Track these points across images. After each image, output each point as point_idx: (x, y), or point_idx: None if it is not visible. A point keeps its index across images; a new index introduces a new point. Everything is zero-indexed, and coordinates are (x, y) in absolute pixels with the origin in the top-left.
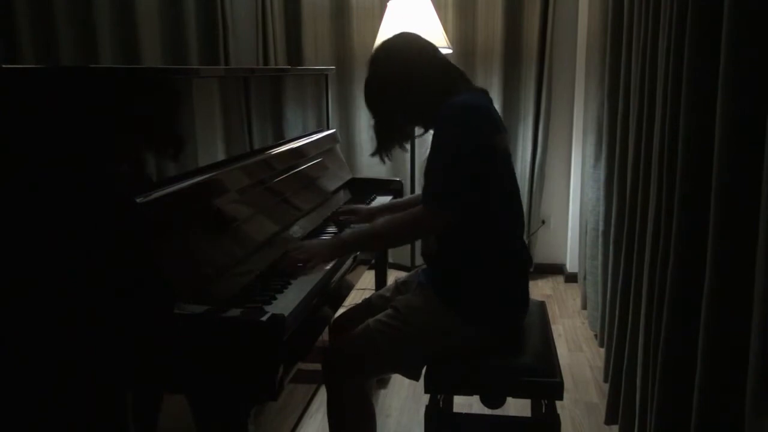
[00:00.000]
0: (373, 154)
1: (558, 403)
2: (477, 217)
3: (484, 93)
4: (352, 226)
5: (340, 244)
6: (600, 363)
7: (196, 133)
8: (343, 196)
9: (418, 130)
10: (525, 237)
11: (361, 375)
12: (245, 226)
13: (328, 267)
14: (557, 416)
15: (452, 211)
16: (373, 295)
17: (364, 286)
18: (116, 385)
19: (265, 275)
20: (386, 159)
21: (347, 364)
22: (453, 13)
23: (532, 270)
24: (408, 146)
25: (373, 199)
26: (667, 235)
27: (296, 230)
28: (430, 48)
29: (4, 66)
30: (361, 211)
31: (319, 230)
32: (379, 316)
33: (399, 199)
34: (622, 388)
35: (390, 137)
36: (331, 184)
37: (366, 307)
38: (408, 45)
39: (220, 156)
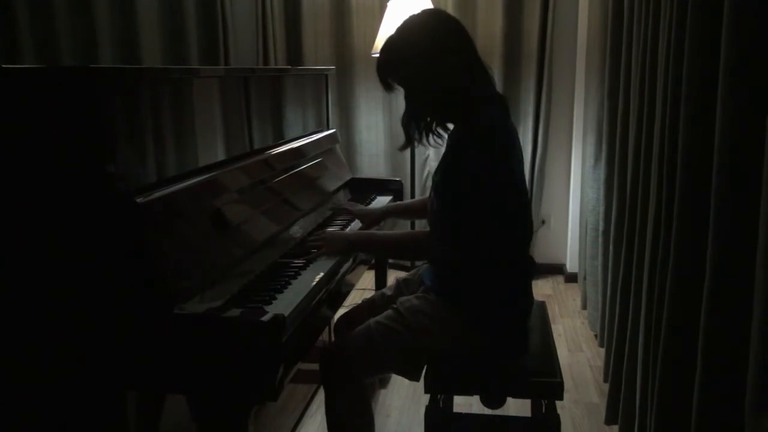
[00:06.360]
0: (400, 148)
1: (558, 403)
2: (484, 229)
3: (501, 101)
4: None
5: (353, 241)
6: (600, 363)
7: (196, 133)
8: (343, 196)
9: (434, 142)
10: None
11: (359, 375)
12: (245, 226)
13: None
14: (557, 416)
15: (455, 242)
16: (375, 294)
17: (364, 286)
18: (116, 385)
19: (265, 275)
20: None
21: (345, 364)
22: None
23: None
24: (424, 140)
25: (373, 199)
26: (667, 235)
27: (296, 230)
28: (460, 35)
29: (4, 66)
30: (357, 211)
31: (318, 231)
32: (379, 317)
33: (400, 203)
34: (622, 388)
35: (411, 121)
36: (331, 184)
37: (368, 306)
38: (437, 28)
39: (220, 156)
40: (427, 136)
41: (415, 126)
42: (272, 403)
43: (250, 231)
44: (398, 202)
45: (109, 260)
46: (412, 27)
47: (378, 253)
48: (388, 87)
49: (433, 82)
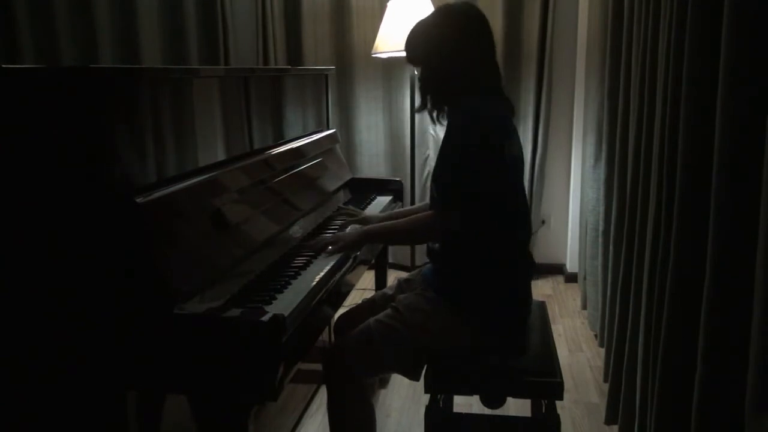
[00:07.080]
0: (417, 110)
1: (558, 403)
2: (482, 221)
3: (507, 102)
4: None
5: (366, 232)
6: (600, 363)
7: (196, 133)
8: (343, 196)
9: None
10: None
11: (361, 374)
12: (245, 226)
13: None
14: (557, 416)
15: (457, 218)
16: (376, 293)
17: (364, 286)
18: (116, 385)
19: (265, 275)
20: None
21: (347, 363)
22: None
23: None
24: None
25: (373, 199)
26: (667, 235)
27: (296, 230)
28: (484, 33)
29: (4, 66)
30: (357, 215)
31: (318, 231)
32: (379, 316)
33: (400, 210)
34: (622, 388)
35: (428, 96)
36: (331, 184)
37: (369, 306)
38: (463, 24)
39: (220, 156)
40: (436, 114)
41: (422, 99)
42: (272, 403)
43: (250, 231)
44: (399, 209)
45: (109, 260)
46: (442, 17)
47: (390, 241)
48: (411, 62)
49: (447, 71)
